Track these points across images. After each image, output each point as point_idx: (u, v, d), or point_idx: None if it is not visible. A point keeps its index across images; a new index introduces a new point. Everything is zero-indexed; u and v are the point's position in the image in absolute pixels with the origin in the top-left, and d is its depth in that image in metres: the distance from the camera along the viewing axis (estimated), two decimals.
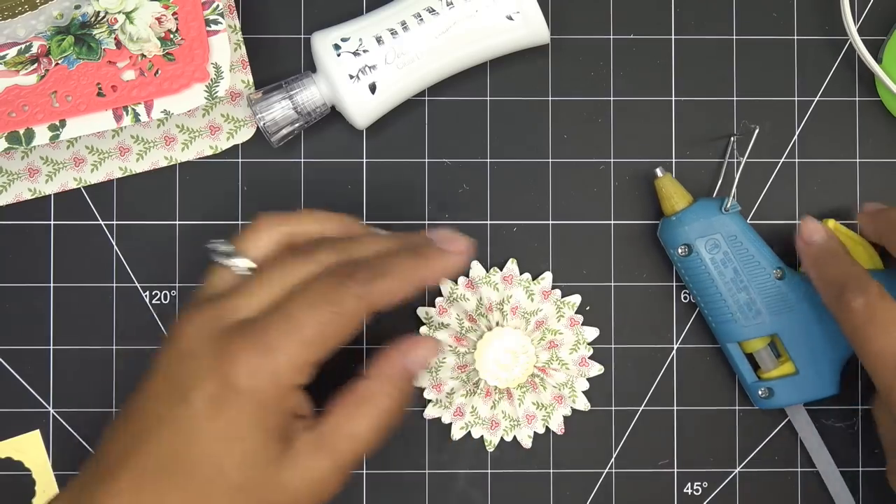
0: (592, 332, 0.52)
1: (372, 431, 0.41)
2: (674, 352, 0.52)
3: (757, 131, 0.50)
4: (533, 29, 0.49)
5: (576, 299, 0.52)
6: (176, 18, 0.48)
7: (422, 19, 0.49)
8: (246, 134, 0.52)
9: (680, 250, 0.49)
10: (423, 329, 0.52)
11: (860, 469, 0.52)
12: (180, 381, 0.40)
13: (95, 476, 0.40)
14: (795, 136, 0.52)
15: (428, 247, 0.43)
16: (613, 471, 0.52)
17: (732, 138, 0.52)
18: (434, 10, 0.49)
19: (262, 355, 0.39)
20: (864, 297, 0.45)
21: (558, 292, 0.52)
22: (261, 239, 0.44)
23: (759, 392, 0.50)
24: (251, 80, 0.52)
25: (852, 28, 0.50)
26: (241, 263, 0.43)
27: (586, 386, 0.52)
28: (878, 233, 0.49)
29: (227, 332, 0.40)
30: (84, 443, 0.52)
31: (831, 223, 0.50)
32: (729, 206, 0.49)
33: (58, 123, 0.47)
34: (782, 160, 0.52)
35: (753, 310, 0.49)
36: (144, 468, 0.39)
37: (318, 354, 0.40)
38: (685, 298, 0.52)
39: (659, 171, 0.51)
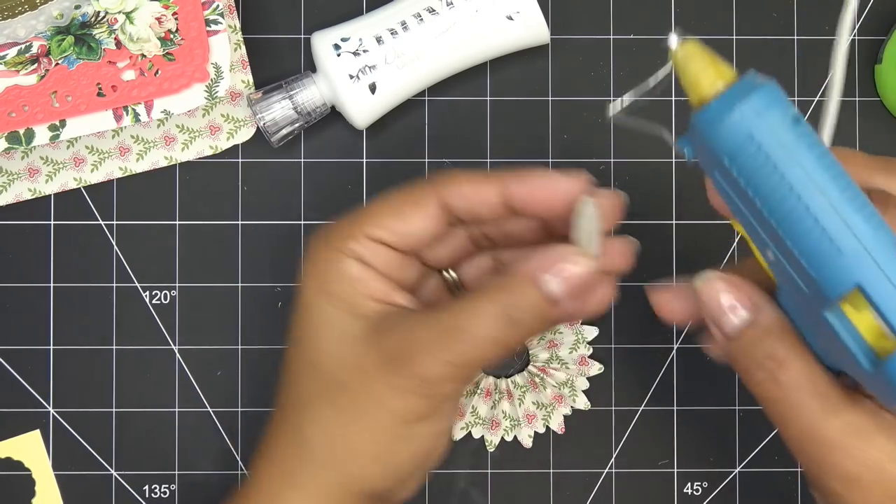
0: (592, 332, 0.52)
1: None
2: (674, 352, 0.52)
3: None
4: (533, 29, 0.49)
5: None
6: (176, 18, 0.48)
7: (422, 19, 0.49)
8: (246, 134, 0.52)
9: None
10: None
11: None
12: None
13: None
14: None
15: None
16: (613, 471, 0.52)
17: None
18: (434, 10, 0.49)
19: None
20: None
21: None
22: None
23: None
24: (251, 80, 0.52)
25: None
26: None
27: (586, 385, 0.52)
28: None
29: None
30: (84, 443, 0.52)
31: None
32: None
33: (58, 123, 0.47)
34: None
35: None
36: None
37: None
38: None
39: (673, 38, 0.34)
